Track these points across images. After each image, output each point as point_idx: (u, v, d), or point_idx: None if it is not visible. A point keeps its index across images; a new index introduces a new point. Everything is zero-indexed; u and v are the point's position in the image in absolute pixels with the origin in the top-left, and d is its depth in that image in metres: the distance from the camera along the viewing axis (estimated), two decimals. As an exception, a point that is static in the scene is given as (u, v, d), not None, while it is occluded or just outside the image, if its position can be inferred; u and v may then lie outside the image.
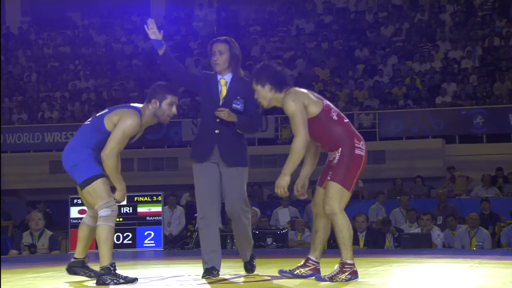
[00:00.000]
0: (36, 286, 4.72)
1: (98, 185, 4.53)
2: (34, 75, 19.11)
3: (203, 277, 4.77)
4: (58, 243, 9.82)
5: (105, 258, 4.47)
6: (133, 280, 4.51)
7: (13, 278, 5.19)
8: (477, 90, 15.74)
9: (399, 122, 15.27)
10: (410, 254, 7.40)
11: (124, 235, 9.66)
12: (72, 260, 4.84)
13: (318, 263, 4.72)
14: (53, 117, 17.26)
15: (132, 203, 9.67)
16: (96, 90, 18.19)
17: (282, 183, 4.39)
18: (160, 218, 9.67)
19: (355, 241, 9.43)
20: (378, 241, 9.67)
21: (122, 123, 4.55)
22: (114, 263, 4.51)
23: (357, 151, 4.41)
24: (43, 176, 15.65)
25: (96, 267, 4.69)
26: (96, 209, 4.56)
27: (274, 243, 9.69)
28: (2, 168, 15.28)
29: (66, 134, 16.36)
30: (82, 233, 4.82)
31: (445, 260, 6.55)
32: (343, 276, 4.34)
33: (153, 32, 5.05)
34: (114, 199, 4.59)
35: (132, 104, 4.77)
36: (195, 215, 11.57)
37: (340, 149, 4.42)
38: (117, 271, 4.50)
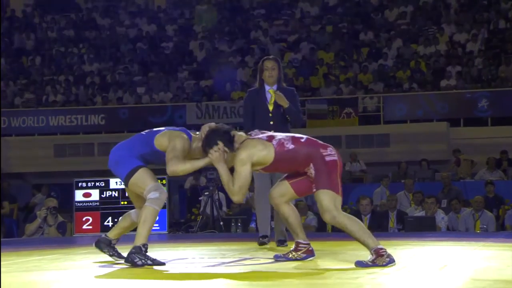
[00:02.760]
0: (42, 268, 4.75)
1: (141, 174, 4.60)
2: (38, 58, 19.10)
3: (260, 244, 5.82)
4: (66, 230, 9.87)
5: (140, 238, 4.50)
6: (161, 264, 4.54)
7: (19, 260, 5.23)
8: (482, 73, 15.68)
9: (403, 106, 15.24)
10: (414, 237, 7.42)
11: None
12: (103, 236, 4.90)
13: (308, 244, 4.78)
14: (57, 101, 17.26)
15: (137, 187, 9.70)
16: (100, 74, 18.17)
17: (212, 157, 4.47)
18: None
19: (359, 224, 9.45)
20: (382, 224, 9.69)
21: (172, 142, 4.61)
22: (147, 244, 4.53)
23: (328, 158, 4.45)
24: (48, 159, 15.69)
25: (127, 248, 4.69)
26: (145, 195, 4.60)
27: (278, 226, 9.71)
28: (7, 151, 15.33)
29: (71, 117, 16.37)
30: (123, 223, 4.89)
31: (449, 242, 6.56)
32: (383, 259, 4.30)
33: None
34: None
35: (187, 130, 4.81)
36: (200, 198, 11.63)
37: (311, 164, 4.46)
38: (147, 253, 4.54)
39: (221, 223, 9.92)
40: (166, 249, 6.53)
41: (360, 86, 16.01)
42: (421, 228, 8.84)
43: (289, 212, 4.70)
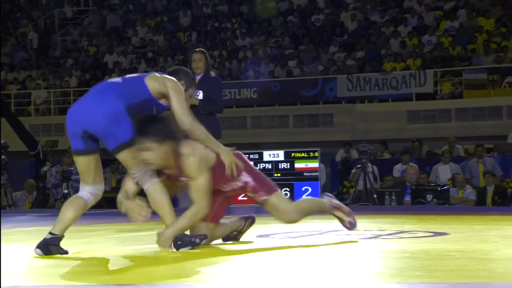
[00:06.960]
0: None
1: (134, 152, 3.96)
2: (194, 34, 19.70)
3: None
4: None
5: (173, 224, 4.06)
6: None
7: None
8: None
9: None
10: None
11: (283, 190, 9.80)
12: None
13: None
14: (212, 75, 17.72)
15: (290, 159, 9.76)
16: (252, 48, 18.44)
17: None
18: (317, 173, 9.69)
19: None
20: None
21: (174, 85, 3.97)
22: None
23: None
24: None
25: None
26: (137, 176, 3.98)
27: (434, 199, 9.42)
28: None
29: (224, 91, 16.72)
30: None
31: None
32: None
33: None
34: None
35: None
36: (352, 171, 11.53)
37: None
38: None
39: (375, 196, 9.78)
40: (318, 221, 6.51)
41: (523, 53, 15.09)
42: None
43: None
